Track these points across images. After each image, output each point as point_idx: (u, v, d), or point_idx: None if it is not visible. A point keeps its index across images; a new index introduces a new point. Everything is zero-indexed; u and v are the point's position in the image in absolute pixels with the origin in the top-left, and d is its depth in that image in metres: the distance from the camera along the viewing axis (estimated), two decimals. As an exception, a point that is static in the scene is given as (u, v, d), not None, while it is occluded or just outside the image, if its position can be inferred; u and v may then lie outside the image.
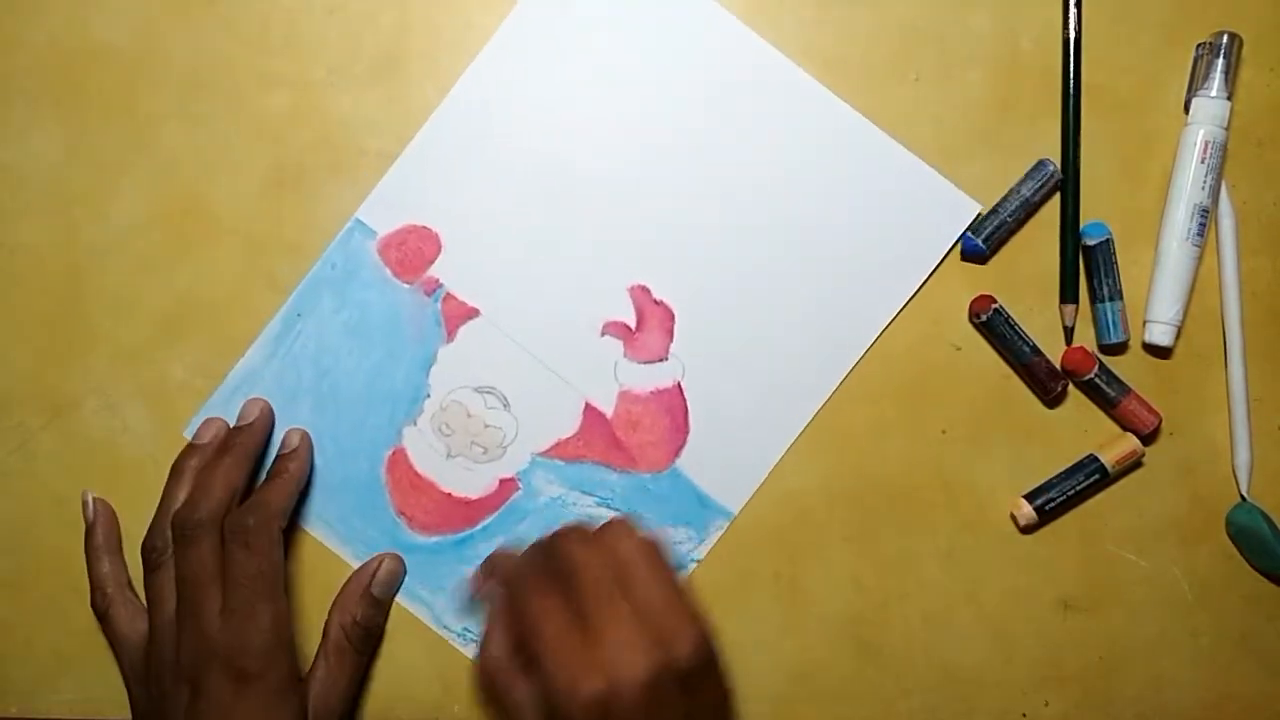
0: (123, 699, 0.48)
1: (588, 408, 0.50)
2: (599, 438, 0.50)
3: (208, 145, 0.50)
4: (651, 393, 0.50)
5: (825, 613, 0.50)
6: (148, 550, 0.46)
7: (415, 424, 0.50)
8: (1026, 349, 0.49)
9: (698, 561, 0.50)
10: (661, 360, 0.50)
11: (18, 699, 0.50)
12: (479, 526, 0.50)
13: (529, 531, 0.50)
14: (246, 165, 0.50)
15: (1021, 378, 0.50)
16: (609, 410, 0.50)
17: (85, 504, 0.49)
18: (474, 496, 0.50)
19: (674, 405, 0.50)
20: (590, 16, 0.50)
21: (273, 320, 0.50)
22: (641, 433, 0.50)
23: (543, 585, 0.41)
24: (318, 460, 0.50)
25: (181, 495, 0.47)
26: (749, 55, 0.50)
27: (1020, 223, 0.49)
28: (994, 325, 0.49)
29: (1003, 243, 0.50)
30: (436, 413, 0.50)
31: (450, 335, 0.50)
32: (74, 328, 0.50)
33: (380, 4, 0.50)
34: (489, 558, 0.46)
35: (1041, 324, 0.50)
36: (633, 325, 0.50)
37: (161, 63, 0.50)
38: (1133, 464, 0.49)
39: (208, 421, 0.49)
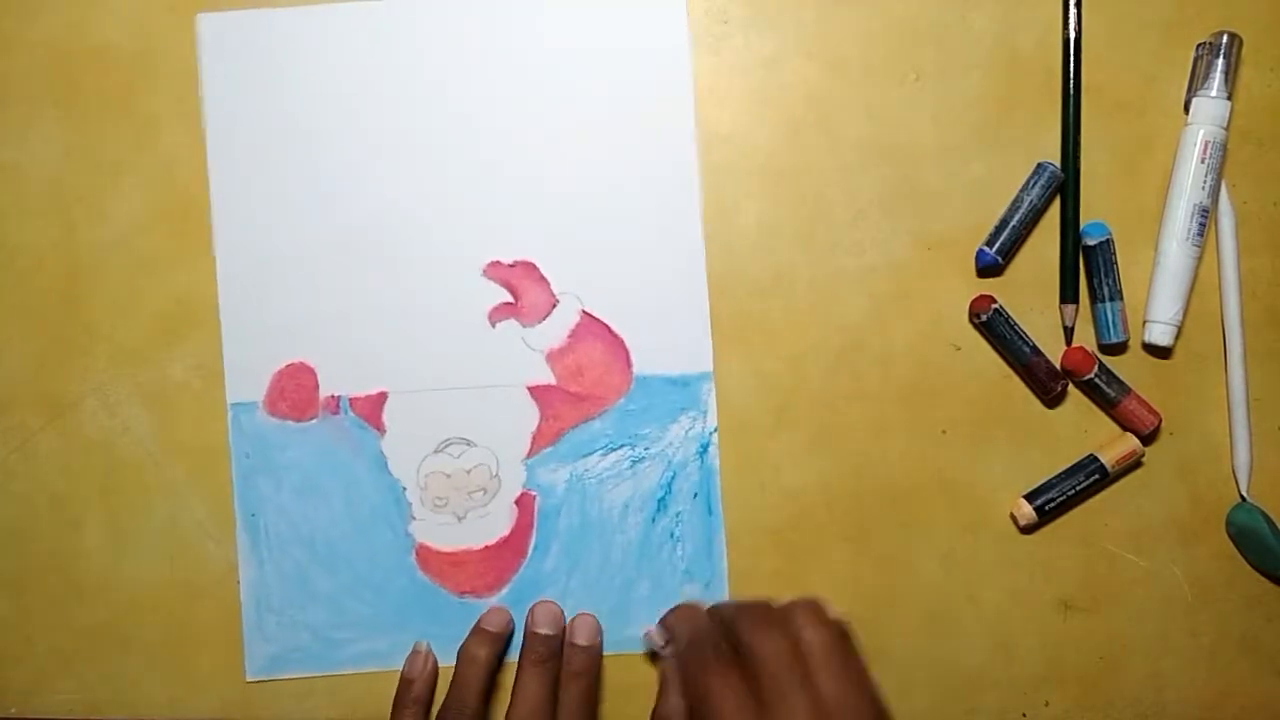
0: (123, 699, 0.48)
1: (533, 389, 0.50)
2: (561, 405, 0.50)
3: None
4: (570, 337, 0.50)
5: (825, 613, 0.50)
6: None
7: (415, 518, 0.50)
8: (1026, 349, 0.49)
9: (716, 430, 0.50)
10: (555, 305, 0.50)
11: (18, 699, 0.50)
12: (531, 551, 0.50)
13: (571, 527, 0.50)
14: (246, 165, 0.50)
15: (1021, 378, 0.50)
16: (550, 378, 0.50)
17: (417, 653, 0.49)
18: (507, 533, 0.50)
19: (595, 330, 0.50)
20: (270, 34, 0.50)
21: (239, 536, 0.50)
22: (589, 373, 0.50)
23: (721, 664, 0.41)
24: (367, 612, 0.50)
25: (475, 686, 0.47)
26: None
27: (1030, 229, 0.49)
28: (994, 325, 0.49)
29: (1015, 251, 0.50)
30: (422, 495, 0.50)
31: (380, 428, 0.50)
32: (74, 328, 0.50)
33: (380, 4, 0.50)
34: (667, 617, 0.45)
35: (1041, 324, 0.50)
36: (511, 298, 0.50)
37: (161, 63, 0.50)
38: (1133, 464, 0.49)
39: (496, 610, 0.49)
